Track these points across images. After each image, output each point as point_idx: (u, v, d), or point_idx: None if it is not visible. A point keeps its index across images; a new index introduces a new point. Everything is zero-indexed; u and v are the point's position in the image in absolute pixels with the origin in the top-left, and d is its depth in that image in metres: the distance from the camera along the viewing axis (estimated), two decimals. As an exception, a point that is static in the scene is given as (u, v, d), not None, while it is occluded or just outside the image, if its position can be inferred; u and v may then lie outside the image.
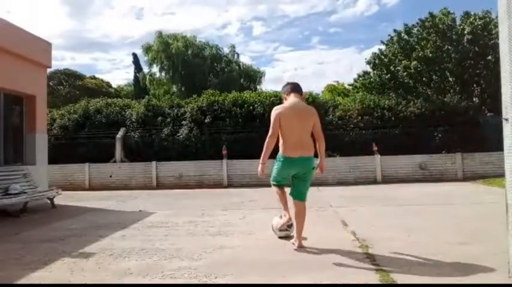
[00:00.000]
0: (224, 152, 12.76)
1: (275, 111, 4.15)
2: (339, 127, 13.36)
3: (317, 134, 4.21)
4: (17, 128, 8.64)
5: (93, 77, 35.80)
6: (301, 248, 4.05)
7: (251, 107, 13.67)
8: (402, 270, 3.27)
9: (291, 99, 4.25)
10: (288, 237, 4.46)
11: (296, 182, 4.23)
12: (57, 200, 8.26)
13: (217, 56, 29.30)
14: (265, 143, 4.16)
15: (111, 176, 13.05)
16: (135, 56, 35.05)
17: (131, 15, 60.51)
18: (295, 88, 4.34)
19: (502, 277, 2.90)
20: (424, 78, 16.93)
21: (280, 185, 4.40)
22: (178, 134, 13.66)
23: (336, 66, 59.18)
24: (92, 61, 63.34)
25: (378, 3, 59.96)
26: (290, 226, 4.48)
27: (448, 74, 16.68)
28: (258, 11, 59.74)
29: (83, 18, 61.02)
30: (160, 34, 27.96)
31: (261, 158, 4.20)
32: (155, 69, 29.54)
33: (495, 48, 13.29)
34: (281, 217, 4.51)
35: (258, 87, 28.68)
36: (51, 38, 62.71)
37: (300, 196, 4.18)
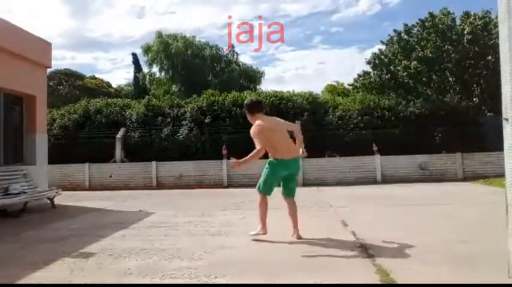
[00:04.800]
0: (224, 152, 12.75)
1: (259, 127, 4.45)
2: (339, 127, 13.36)
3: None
4: (17, 128, 8.63)
5: (93, 77, 35.75)
6: (300, 239, 4.44)
7: (251, 107, 13.64)
8: (402, 270, 3.27)
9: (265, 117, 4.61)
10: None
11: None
12: (57, 200, 8.26)
13: (217, 56, 29.32)
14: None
15: (111, 176, 13.05)
16: (135, 56, 35.05)
17: (132, 14, 60.51)
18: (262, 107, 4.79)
19: (502, 277, 2.89)
20: (424, 78, 16.94)
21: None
22: (178, 134, 13.65)
23: (337, 66, 59.19)
24: (93, 61, 63.32)
25: (380, 2, 59.95)
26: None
27: (448, 74, 16.70)
28: (260, 10, 59.75)
29: (84, 18, 61.02)
30: (160, 34, 27.98)
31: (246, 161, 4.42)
32: (155, 69, 29.59)
33: (495, 48, 13.29)
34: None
35: (258, 87, 28.70)
36: (52, 37, 62.77)
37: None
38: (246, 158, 4.34)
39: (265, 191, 4.55)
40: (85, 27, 60.60)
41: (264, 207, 4.61)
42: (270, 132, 4.38)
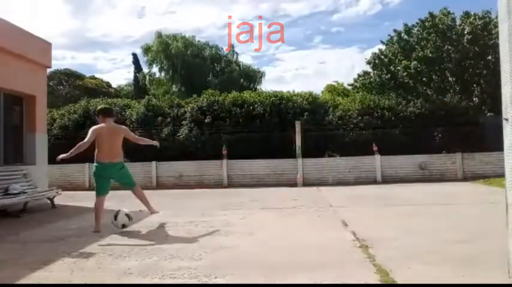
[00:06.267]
0: (224, 152, 12.76)
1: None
2: (339, 127, 13.36)
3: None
4: (17, 128, 8.63)
5: (93, 77, 35.75)
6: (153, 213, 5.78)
7: (251, 107, 13.67)
8: (402, 270, 3.27)
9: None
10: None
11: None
12: (57, 200, 8.26)
13: (217, 56, 29.32)
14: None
15: (111, 176, 13.04)
16: (135, 56, 35.04)
17: (132, 14, 60.48)
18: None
19: (502, 277, 2.90)
20: (424, 78, 16.93)
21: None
22: (178, 134, 13.65)
23: (337, 66, 59.16)
24: (93, 61, 63.32)
25: (380, 2, 59.92)
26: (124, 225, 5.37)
27: (448, 74, 16.68)
28: (260, 10, 59.76)
29: (84, 17, 61.02)
30: (159, 34, 27.98)
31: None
32: (155, 69, 29.62)
33: (495, 48, 13.29)
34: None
35: (258, 87, 28.69)
36: (53, 37, 62.75)
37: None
38: (72, 150, 5.22)
39: (99, 192, 5.44)
40: (85, 27, 60.60)
41: (100, 207, 5.42)
42: (98, 135, 5.34)
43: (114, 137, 5.51)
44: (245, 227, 5.46)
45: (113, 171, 5.48)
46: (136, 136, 5.83)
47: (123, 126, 5.93)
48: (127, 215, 5.37)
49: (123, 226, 5.33)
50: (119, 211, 5.38)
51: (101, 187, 5.45)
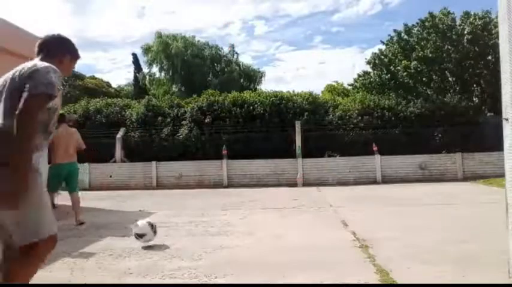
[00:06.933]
0: (224, 152, 12.76)
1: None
2: (339, 127, 13.36)
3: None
4: (17, 128, 8.62)
5: (93, 77, 35.72)
6: (80, 224, 5.79)
7: (251, 107, 13.67)
8: (402, 270, 3.27)
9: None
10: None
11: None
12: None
13: (217, 56, 29.30)
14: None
15: (111, 176, 13.05)
16: (135, 56, 35.02)
17: (132, 14, 60.49)
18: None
19: (502, 277, 2.90)
20: (424, 78, 16.94)
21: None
22: (178, 134, 13.65)
23: (338, 66, 59.17)
24: (93, 61, 63.26)
25: (381, 2, 59.93)
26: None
27: (448, 74, 16.68)
28: (261, 10, 59.76)
29: (84, 17, 61.02)
30: (159, 34, 27.96)
31: None
32: (155, 69, 29.57)
33: (495, 48, 13.28)
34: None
35: (258, 87, 28.68)
36: (52, 37, 62.45)
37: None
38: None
39: (50, 189, 5.70)
40: (85, 27, 60.59)
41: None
42: (55, 139, 5.65)
43: (69, 139, 6.03)
44: (245, 227, 5.46)
45: (65, 170, 5.97)
46: (82, 142, 6.31)
47: (74, 129, 6.37)
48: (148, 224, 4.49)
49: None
50: (139, 236, 4.40)
51: (53, 185, 5.73)
